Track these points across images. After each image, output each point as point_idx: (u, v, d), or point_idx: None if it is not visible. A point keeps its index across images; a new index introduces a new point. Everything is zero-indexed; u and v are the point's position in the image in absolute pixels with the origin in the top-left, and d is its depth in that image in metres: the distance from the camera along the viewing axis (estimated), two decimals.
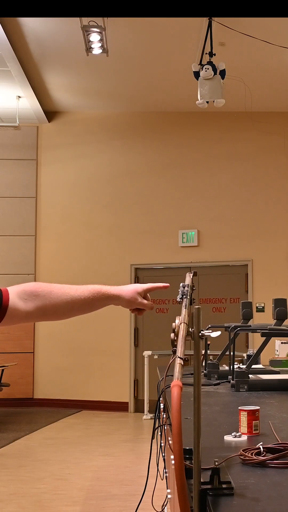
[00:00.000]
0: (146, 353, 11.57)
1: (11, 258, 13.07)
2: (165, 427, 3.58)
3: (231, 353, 4.22)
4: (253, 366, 4.38)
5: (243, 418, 2.35)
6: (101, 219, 12.89)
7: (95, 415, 11.95)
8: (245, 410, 2.35)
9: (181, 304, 1.94)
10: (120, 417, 11.87)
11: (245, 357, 5.50)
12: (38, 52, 9.98)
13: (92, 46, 8.90)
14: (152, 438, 3.70)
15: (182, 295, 2.05)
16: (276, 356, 5.89)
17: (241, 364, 4.75)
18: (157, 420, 3.97)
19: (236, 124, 12.32)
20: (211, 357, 4.96)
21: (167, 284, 2.24)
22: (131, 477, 7.16)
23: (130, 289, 2.21)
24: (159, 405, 4.05)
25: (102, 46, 8.92)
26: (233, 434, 2.27)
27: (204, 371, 4.62)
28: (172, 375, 1.46)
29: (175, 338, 1.63)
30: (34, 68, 10.64)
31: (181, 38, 9.30)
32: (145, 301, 2.21)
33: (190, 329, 1.60)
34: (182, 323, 1.66)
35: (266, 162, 12.34)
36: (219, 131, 12.55)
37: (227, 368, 4.64)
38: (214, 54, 8.08)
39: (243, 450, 1.91)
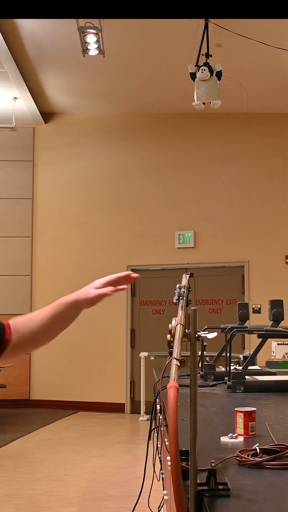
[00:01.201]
0: (143, 354, 11.57)
1: (7, 259, 13.06)
2: (162, 428, 3.58)
3: (228, 354, 4.22)
4: (250, 368, 4.38)
5: (240, 420, 2.35)
6: (97, 220, 12.89)
7: (91, 416, 11.95)
8: (241, 412, 2.36)
9: (177, 305, 1.95)
10: (116, 418, 11.86)
11: (242, 359, 5.50)
12: (34, 53, 9.98)
13: (89, 47, 8.90)
14: (149, 439, 3.70)
15: (179, 296, 2.05)
16: (272, 358, 5.89)
17: (237, 365, 4.75)
18: (154, 421, 3.98)
19: (232, 125, 12.32)
20: (207, 358, 4.97)
21: (128, 273, 2.16)
22: (128, 478, 7.16)
23: (85, 287, 2.19)
24: (156, 406, 4.05)
25: (98, 47, 8.92)
26: (229, 435, 2.27)
27: (201, 372, 4.63)
28: (169, 376, 1.46)
29: (172, 339, 1.64)
30: (30, 69, 10.63)
31: (178, 39, 9.30)
32: (102, 290, 2.11)
33: (186, 330, 1.60)
34: (179, 324, 1.66)
35: (262, 163, 12.34)
36: (216, 132, 12.56)
37: (223, 369, 4.64)
38: (211, 55, 8.08)
39: (239, 451, 1.92)
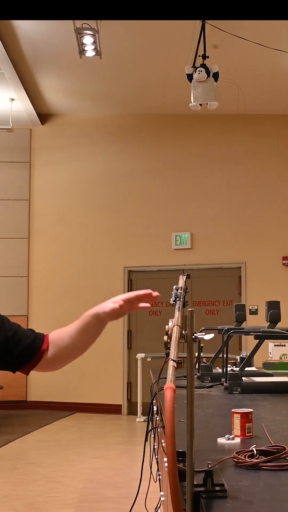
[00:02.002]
0: (139, 355, 11.57)
1: (4, 260, 13.05)
2: (158, 430, 3.58)
3: (224, 356, 4.22)
4: (246, 369, 4.38)
5: (236, 421, 2.35)
6: (94, 221, 12.88)
7: (88, 418, 11.94)
8: (238, 413, 2.36)
9: (174, 306, 1.95)
10: (113, 419, 11.86)
11: (238, 360, 5.51)
12: (31, 54, 9.98)
13: (86, 48, 8.90)
14: (146, 440, 3.70)
15: (175, 298, 2.05)
16: (269, 359, 5.89)
17: (234, 366, 4.76)
18: (150, 422, 3.97)
19: (229, 126, 12.33)
20: (204, 360, 4.97)
21: (148, 291, 2.23)
22: (124, 480, 7.15)
23: (107, 301, 2.27)
24: (152, 408, 4.04)
25: (95, 49, 8.92)
26: (226, 436, 2.27)
27: (197, 374, 4.63)
28: (165, 378, 1.46)
29: (168, 340, 1.63)
30: (27, 70, 10.63)
31: (175, 40, 9.31)
32: (115, 304, 2.20)
33: (183, 332, 1.60)
34: (175, 326, 1.66)
35: (259, 164, 12.35)
36: (212, 133, 12.57)
37: (220, 370, 4.65)
38: (207, 57, 8.08)
39: (236, 453, 1.92)
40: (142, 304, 2.25)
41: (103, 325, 2.29)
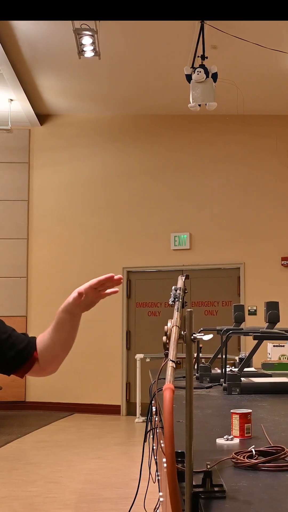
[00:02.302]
0: (138, 356, 11.57)
1: (3, 261, 13.05)
2: (157, 430, 3.58)
3: (223, 356, 4.22)
4: (245, 369, 4.38)
5: (235, 421, 2.35)
6: (93, 222, 12.88)
7: (87, 418, 11.94)
8: (237, 413, 2.36)
9: (173, 307, 1.95)
10: (112, 420, 11.86)
11: (237, 360, 5.51)
12: (30, 55, 9.98)
13: (84, 49, 8.89)
14: (144, 441, 3.70)
15: (174, 298, 2.05)
16: (268, 359, 5.90)
17: (233, 367, 4.76)
18: (149, 423, 3.98)
19: (228, 127, 12.33)
20: (203, 360, 4.97)
21: (110, 275, 2.22)
22: (123, 480, 7.15)
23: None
24: (151, 408, 4.04)
25: (94, 49, 8.91)
26: (225, 437, 2.27)
27: (196, 374, 4.63)
28: (164, 378, 1.46)
29: (167, 341, 1.63)
30: (26, 71, 10.63)
31: (173, 41, 9.31)
32: (75, 293, 2.19)
33: (182, 332, 1.60)
34: (174, 326, 1.66)
35: (258, 165, 12.35)
36: (211, 134, 12.57)
37: (219, 371, 4.65)
38: (206, 57, 8.08)
39: (235, 453, 1.92)
40: (109, 290, 2.22)
41: (75, 319, 2.27)
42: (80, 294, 2.16)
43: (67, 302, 2.21)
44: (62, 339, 2.29)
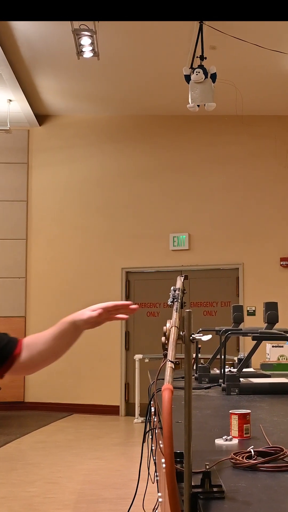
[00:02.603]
0: (137, 356, 11.57)
1: (2, 261, 13.04)
2: (156, 431, 3.58)
3: (222, 357, 4.22)
4: (244, 370, 4.38)
5: (234, 422, 2.35)
6: (92, 222, 12.88)
7: (86, 419, 11.94)
8: (236, 414, 2.36)
9: (172, 307, 1.95)
10: (111, 420, 11.85)
11: (236, 361, 5.51)
12: (29, 55, 9.98)
13: (83, 49, 8.89)
14: (143, 441, 3.70)
15: (173, 299, 2.06)
16: (267, 360, 5.90)
17: (232, 367, 4.76)
18: (148, 423, 3.98)
19: (227, 127, 12.33)
20: (202, 361, 4.97)
21: (127, 303, 2.27)
22: (122, 481, 7.15)
23: (84, 309, 2.28)
24: (150, 409, 4.05)
25: (93, 50, 8.91)
26: (224, 437, 2.27)
27: (195, 375, 4.63)
28: (163, 379, 1.46)
29: (166, 341, 1.64)
30: (25, 71, 10.63)
31: (172, 41, 9.31)
32: (93, 312, 2.23)
33: (181, 333, 1.60)
34: (173, 327, 1.66)
35: (257, 165, 12.35)
36: (210, 134, 12.57)
37: (218, 371, 4.65)
38: (205, 58, 8.07)
39: (234, 454, 1.92)
40: (119, 315, 2.26)
41: (78, 332, 2.30)
42: (99, 315, 2.21)
43: (78, 317, 2.25)
44: (59, 348, 2.31)
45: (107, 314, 2.24)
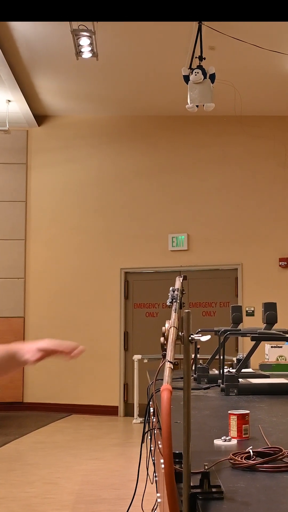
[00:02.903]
0: (136, 357, 11.56)
1: (0, 262, 13.04)
2: (155, 431, 3.58)
3: (221, 357, 4.22)
4: (243, 370, 4.38)
5: (233, 422, 2.35)
6: (91, 223, 12.88)
7: (85, 419, 11.94)
8: (235, 414, 2.36)
9: (171, 308, 1.95)
10: (110, 421, 11.85)
11: (235, 361, 5.51)
12: (28, 56, 9.98)
13: (82, 50, 8.89)
14: (142, 442, 3.70)
15: (172, 299, 2.06)
16: (266, 360, 5.90)
17: (231, 368, 4.76)
18: (147, 424, 3.97)
19: (226, 128, 12.33)
20: (201, 361, 4.97)
21: (74, 347, 2.18)
22: (121, 481, 7.15)
23: (33, 344, 2.18)
24: (149, 409, 4.04)
25: (92, 50, 8.92)
26: (223, 438, 2.27)
27: (194, 375, 4.63)
28: (162, 379, 1.46)
29: (165, 342, 1.64)
30: (23, 72, 10.63)
31: (171, 42, 9.31)
32: (32, 358, 2.13)
33: (180, 333, 1.60)
34: (172, 327, 1.66)
35: (256, 166, 12.35)
36: (209, 135, 12.57)
37: (217, 372, 4.65)
38: (204, 58, 8.08)
39: (233, 454, 1.92)
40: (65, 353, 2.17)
41: (19, 366, 2.23)
42: (38, 360, 2.13)
43: (20, 353, 2.16)
44: None
45: (51, 353, 2.15)
